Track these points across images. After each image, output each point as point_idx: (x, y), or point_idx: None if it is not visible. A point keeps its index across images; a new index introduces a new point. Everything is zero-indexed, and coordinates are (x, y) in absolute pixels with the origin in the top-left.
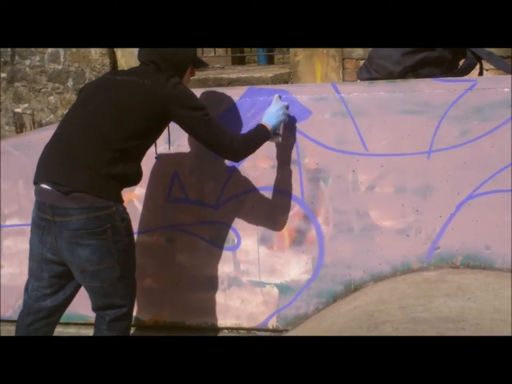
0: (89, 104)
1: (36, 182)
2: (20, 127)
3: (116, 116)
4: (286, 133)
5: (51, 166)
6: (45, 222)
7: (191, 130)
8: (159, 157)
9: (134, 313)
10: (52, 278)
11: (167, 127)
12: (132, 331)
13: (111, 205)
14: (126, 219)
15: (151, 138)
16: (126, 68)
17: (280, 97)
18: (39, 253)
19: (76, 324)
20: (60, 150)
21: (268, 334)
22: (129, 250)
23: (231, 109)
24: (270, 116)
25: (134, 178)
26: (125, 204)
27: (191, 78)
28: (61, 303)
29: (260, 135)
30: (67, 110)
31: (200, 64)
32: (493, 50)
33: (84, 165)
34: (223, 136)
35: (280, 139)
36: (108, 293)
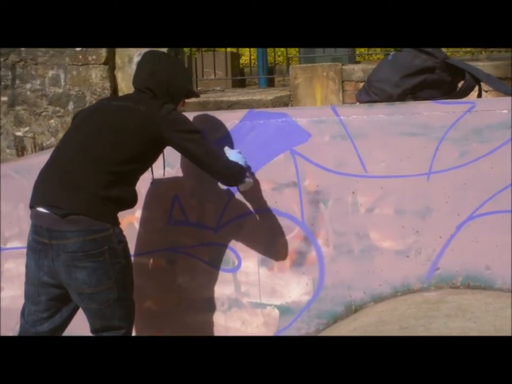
0: (85, 128)
1: (32, 206)
2: (21, 150)
3: (112, 140)
4: (285, 156)
5: (47, 190)
6: (41, 245)
7: (189, 154)
8: (158, 181)
9: (134, 334)
10: (48, 302)
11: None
12: None
13: (108, 227)
14: (123, 241)
15: (146, 162)
16: (126, 91)
17: (228, 148)
18: (36, 276)
19: None
20: (56, 173)
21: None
22: (126, 272)
23: (230, 132)
24: (236, 159)
25: (130, 201)
26: (125, 226)
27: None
28: (57, 326)
29: (241, 166)
30: (62, 135)
31: (193, 95)
32: (490, 71)
33: (81, 188)
34: (218, 158)
35: (252, 181)
36: (106, 315)
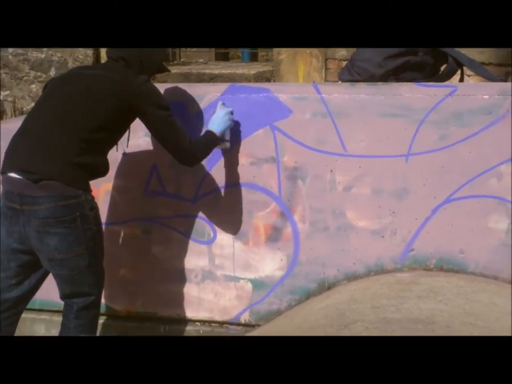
0: (57, 96)
1: (3, 172)
2: (0, 114)
3: (84, 107)
4: (265, 131)
5: (20, 155)
6: (12, 211)
7: (154, 129)
8: (137, 151)
9: (108, 302)
10: (18, 268)
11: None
12: (103, 320)
13: (80, 194)
14: (94, 208)
15: (118, 131)
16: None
17: (223, 104)
18: (6, 243)
19: (49, 311)
20: (28, 140)
21: (240, 328)
22: (97, 239)
23: (211, 105)
24: (217, 122)
25: (102, 170)
26: (103, 194)
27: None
28: (25, 293)
29: (211, 140)
30: (34, 103)
31: (164, 70)
32: (473, 56)
33: (54, 154)
34: (183, 139)
35: (228, 145)
36: (76, 281)
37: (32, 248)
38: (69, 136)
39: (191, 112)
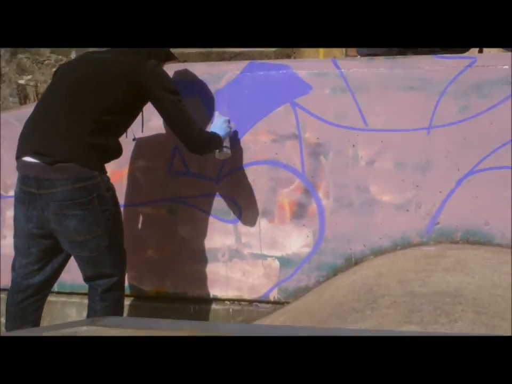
0: (68, 79)
1: (19, 157)
2: (23, 99)
3: (95, 89)
4: (286, 108)
5: (34, 139)
6: (29, 195)
7: (165, 112)
8: (159, 132)
9: (136, 283)
10: (39, 253)
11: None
12: (132, 301)
13: (96, 175)
14: (111, 189)
15: (129, 114)
16: None
17: (220, 113)
18: (25, 228)
19: (79, 294)
20: (41, 124)
21: (269, 306)
22: (116, 220)
23: (231, 83)
24: (217, 129)
25: (115, 152)
26: (127, 176)
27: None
28: (48, 278)
29: (217, 138)
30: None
31: (172, 58)
32: None
33: (67, 136)
34: (193, 125)
35: (229, 152)
36: (97, 263)
37: (52, 232)
38: (80, 118)
39: (212, 90)
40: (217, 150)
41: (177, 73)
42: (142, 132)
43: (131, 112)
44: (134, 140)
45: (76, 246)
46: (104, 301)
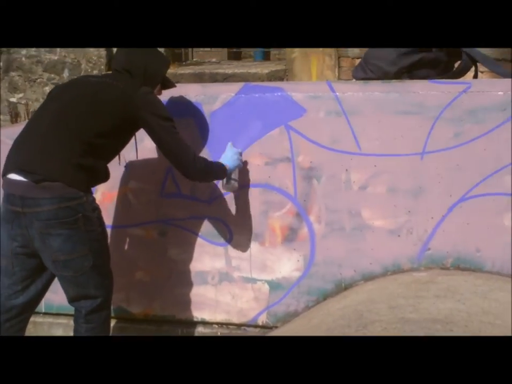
0: (61, 99)
1: (4, 174)
2: (14, 117)
3: (87, 111)
4: (280, 130)
5: (21, 156)
6: (14, 214)
7: (158, 139)
8: (152, 153)
9: (125, 305)
10: (23, 273)
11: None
12: (121, 323)
13: (82, 195)
14: (97, 209)
15: (120, 139)
16: None
17: (232, 144)
18: (9, 249)
19: (66, 315)
20: (30, 142)
21: (257, 330)
22: (102, 240)
23: (226, 105)
24: (227, 160)
25: (103, 176)
26: (119, 197)
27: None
28: (32, 298)
29: (219, 168)
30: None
31: (169, 85)
32: (488, 52)
33: (55, 155)
34: (187, 151)
35: (236, 185)
36: (81, 283)
37: (36, 251)
38: (70, 138)
39: (207, 111)
40: (224, 182)
41: (171, 94)
42: (137, 157)
43: (122, 137)
44: (125, 166)
45: (59, 265)
46: (89, 323)
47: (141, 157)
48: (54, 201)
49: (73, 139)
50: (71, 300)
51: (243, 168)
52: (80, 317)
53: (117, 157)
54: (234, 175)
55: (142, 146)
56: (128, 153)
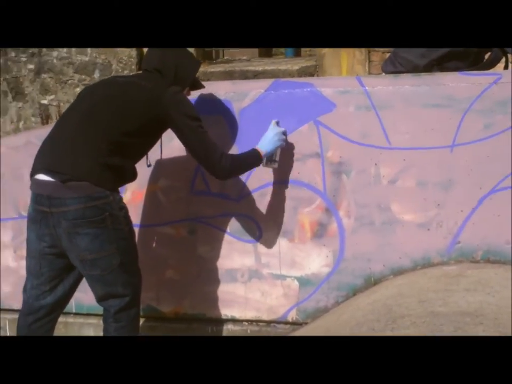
0: (89, 99)
1: (32, 175)
2: (46, 119)
3: (115, 110)
4: (309, 126)
5: (48, 156)
6: (41, 214)
7: (185, 138)
8: (154, 164)
9: (155, 304)
10: (51, 273)
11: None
12: (151, 322)
13: (108, 194)
14: (124, 208)
15: (147, 139)
16: None
17: (277, 123)
18: (37, 248)
19: (96, 315)
20: (57, 142)
21: (287, 326)
22: (129, 239)
23: (256, 101)
24: (266, 142)
25: (129, 176)
26: (148, 195)
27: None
28: (60, 298)
29: (251, 159)
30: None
31: (198, 86)
32: None
33: (82, 154)
34: (213, 150)
35: (276, 165)
36: (108, 281)
37: (64, 250)
38: (97, 138)
39: (236, 108)
40: (264, 163)
41: (200, 91)
42: (161, 157)
43: (149, 137)
44: (149, 166)
45: (86, 264)
46: (118, 321)
47: (170, 155)
48: (81, 201)
49: (100, 139)
50: (100, 300)
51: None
52: (109, 316)
53: (145, 157)
54: (275, 156)
55: (171, 146)
56: (156, 152)
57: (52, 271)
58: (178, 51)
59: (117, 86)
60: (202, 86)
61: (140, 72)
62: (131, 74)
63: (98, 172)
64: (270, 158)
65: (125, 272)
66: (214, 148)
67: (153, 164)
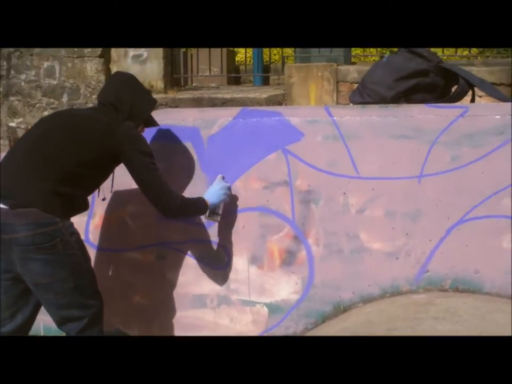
0: (42, 128)
1: None
2: (13, 141)
3: (69, 141)
4: (277, 155)
5: (0, 182)
6: None
7: (136, 174)
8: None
9: (123, 329)
10: (8, 300)
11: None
12: None
13: (57, 221)
14: (74, 233)
15: (100, 171)
16: None
17: (223, 177)
18: None
19: None
20: (10, 168)
21: None
22: (83, 263)
23: (224, 129)
24: (211, 194)
25: (81, 205)
26: (116, 221)
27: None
28: (21, 326)
29: (198, 205)
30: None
31: (152, 123)
32: (485, 77)
33: (30, 181)
34: (165, 188)
35: (219, 218)
36: (63, 305)
37: (19, 275)
38: (47, 166)
39: (204, 136)
40: (207, 215)
41: (169, 118)
42: (111, 191)
43: (102, 170)
44: (103, 200)
45: (40, 289)
46: None
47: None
48: (30, 227)
49: (49, 166)
50: (59, 324)
51: (241, 192)
52: None
53: (97, 189)
54: (218, 209)
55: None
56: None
57: (9, 298)
58: (136, 88)
59: (70, 117)
60: (156, 124)
61: (95, 105)
62: (86, 107)
63: (46, 199)
64: (213, 211)
65: (80, 296)
66: (165, 186)
67: (119, 189)
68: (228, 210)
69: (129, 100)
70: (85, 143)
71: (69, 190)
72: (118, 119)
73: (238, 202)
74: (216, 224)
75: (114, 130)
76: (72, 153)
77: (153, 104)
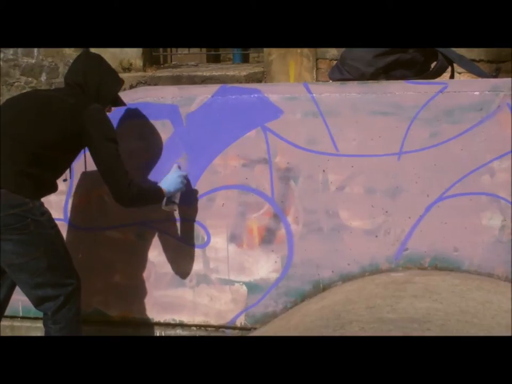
0: (12, 110)
1: None
2: None
3: (36, 123)
4: (257, 132)
5: None
6: None
7: (97, 157)
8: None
9: (103, 308)
10: None
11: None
12: (99, 326)
13: (27, 202)
14: (46, 212)
15: (67, 153)
16: None
17: (179, 167)
18: None
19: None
20: None
21: (236, 332)
22: (56, 242)
23: (202, 107)
24: (169, 183)
25: (49, 187)
26: (95, 199)
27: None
28: None
29: (155, 194)
30: None
31: (120, 103)
32: (464, 53)
33: (1, 163)
34: (124, 175)
35: (176, 207)
36: (38, 285)
37: None
38: (14, 148)
39: (183, 113)
40: (163, 204)
41: (148, 95)
42: (85, 169)
43: (69, 151)
44: (64, 181)
45: (15, 269)
46: (57, 323)
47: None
48: None
49: (18, 149)
50: (36, 304)
51: (220, 170)
52: (48, 319)
53: (68, 170)
54: (175, 198)
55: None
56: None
57: None
58: (102, 68)
59: (40, 98)
60: (124, 104)
61: (62, 87)
62: (53, 88)
63: (15, 180)
64: (170, 199)
65: (55, 275)
66: (125, 173)
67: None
68: (207, 187)
69: (96, 81)
70: (51, 125)
71: (37, 171)
72: (85, 100)
73: (217, 180)
74: (196, 203)
75: (80, 112)
76: (39, 135)
77: (121, 84)
